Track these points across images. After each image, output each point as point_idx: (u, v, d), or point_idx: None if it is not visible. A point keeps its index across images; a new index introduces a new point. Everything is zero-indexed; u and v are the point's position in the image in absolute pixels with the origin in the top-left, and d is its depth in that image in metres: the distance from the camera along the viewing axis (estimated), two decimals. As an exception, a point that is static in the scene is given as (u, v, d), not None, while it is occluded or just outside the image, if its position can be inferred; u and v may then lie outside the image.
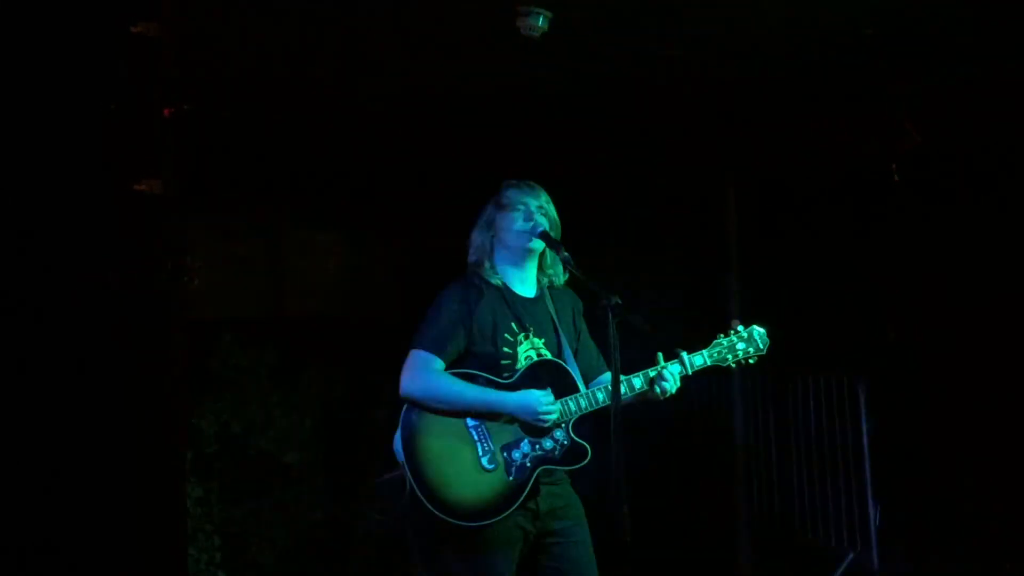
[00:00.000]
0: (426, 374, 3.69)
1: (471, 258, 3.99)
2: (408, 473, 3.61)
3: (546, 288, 4.03)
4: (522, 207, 3.92)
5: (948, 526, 6.55)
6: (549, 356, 3.86)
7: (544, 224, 3.87)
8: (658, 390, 3.79)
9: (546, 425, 3.69)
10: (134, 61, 4.07)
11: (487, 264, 3.93)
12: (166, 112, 4.26)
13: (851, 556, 6.68)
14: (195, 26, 4.36)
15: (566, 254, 3.82)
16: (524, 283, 3.98)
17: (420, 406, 3.69)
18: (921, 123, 5.33)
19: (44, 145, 4.11)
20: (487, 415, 3.70)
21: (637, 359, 3.86)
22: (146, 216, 4.29)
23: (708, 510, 7.81)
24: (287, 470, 7.25)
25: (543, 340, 3.90)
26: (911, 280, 6.92)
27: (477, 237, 3.99)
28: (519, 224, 3.90)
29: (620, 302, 3.54)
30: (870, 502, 6.66)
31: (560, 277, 4.05)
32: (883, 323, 7.19)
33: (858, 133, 5.75)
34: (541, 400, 3.68)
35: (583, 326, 4.09)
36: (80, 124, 4.13)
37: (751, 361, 3.96)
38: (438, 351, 3.72)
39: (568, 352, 3.92)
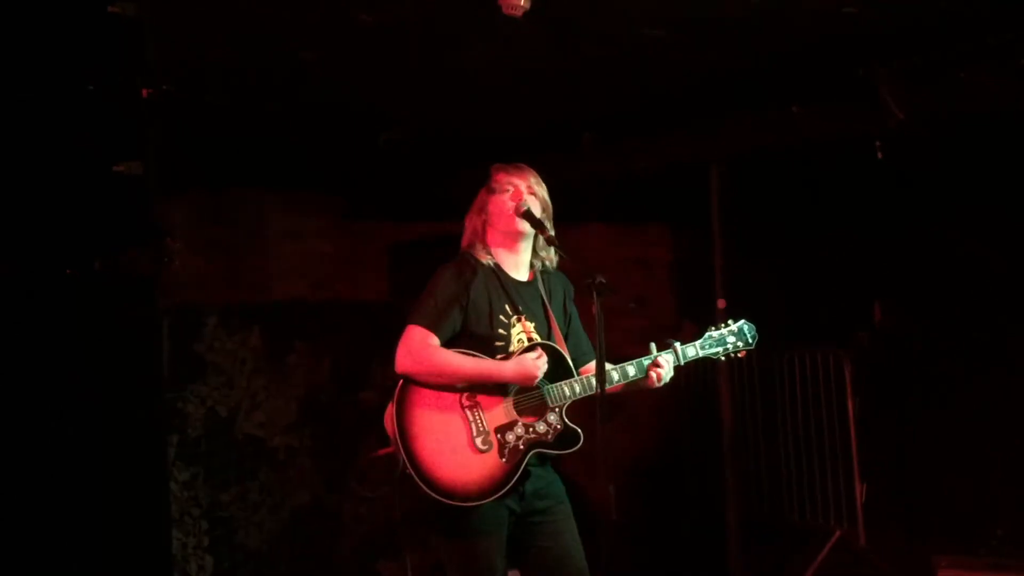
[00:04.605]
0: (423, 349, 3.69)
1: (464, 242, 4.01)
2: (401, 450, 3.61)
3: (539, 272, 4.03)
4: (510, 188, 3.93)
5: (934, 503, 6.58)
6: (541, 340, 3.87)
7: (528, 204, 3.87)
8: (653, 376, 3.87)
9: (538, 376, 3.72)
10: (112, 41, 4.04)
11: (480, 246, 3.94)
12: (145, 93, 4.23)
13: (838, 534, 6.70)
14: (175, 6, 4.31)
15: (551, 233, 3.84)
16: (517, 266, 3.98)
17: (417, 380, 3.69)
18: (903, 100, 5.32)
19: (21, 128, 4.08)
20: (484, 382, 3.72)
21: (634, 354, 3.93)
22: (127, 199, 4.28)
23: (695, 490, 7.83)
24: (274, 454, 7.25)
25: (534, 324, 3.90)
26: (896, 258, 6.93)
27: (470, 221, 4.01)
28: (506, 207, 3.90)
29: (604, 281, 3.56)
30: (856, 480, 6.69)
31: (554, 261, 4.07)
32: (869, 301, 7.22)
33: (841, 112, 5.74)
34: (536, 362, 3.72)
35: (574, 311, 4.10)
36: (58, 105, 4.11)
37: (739, 355, 4.10)
38: (434, 328, 3.72)
39: (559, 336, 3.93)
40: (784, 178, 7.17)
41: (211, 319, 7.15)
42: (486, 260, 3.91)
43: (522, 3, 4.32)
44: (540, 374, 3.73)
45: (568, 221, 4.22)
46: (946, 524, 6.37)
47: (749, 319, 4.15)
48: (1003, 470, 6.27)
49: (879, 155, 5.52)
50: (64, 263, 4.37)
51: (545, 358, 3.76)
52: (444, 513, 3.63)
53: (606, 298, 3.56)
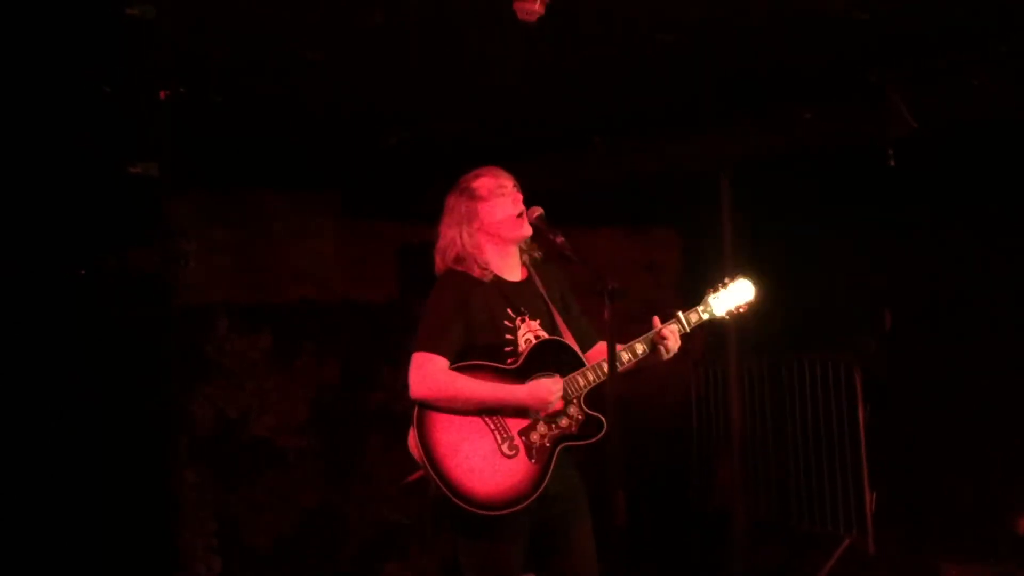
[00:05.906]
0: (433, 375, 3.65)
1: (449, 258, 3.90)
2: (432, 472, 3.56)
3: (530, 266, 4.02)
4: (504, 192, 3.90)
5: (943, 510, 6.57)
6: (547, 336, 3.86)
7: (537, 208, 3.87)
8: (662, 349, 3.88)
9: (552, 401, 3.70)
10: (129, 43, 4.04)
11: (471, 261, 3.86)
12: (162, 95, 4.24)
13: (847, 541, 6.69)
14: (191, 8, 4.32)
15: (561, 238, 3.82)
16: (512, 268, 3.95)
17: (432, 407, 3.66)
18: (914, 107, 5.32)
19: (39, 128, 4.09)
20: (499, 407, 3.69)
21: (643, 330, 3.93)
22: (142, 199, 4.29)
23: (704, 495, 7.83)
24: (282, 455, 7.26)
25: (538, 321, 3.88)
26: (907, 265, 6.92)
27: (456, 234, 3.89)
28: (510, 210, 3.87)
29: (616, 286, 3.55)
30: (866, 488, 6.68)
31: (537, 251, 4.04)
32: (880, 308, 7.21)
33: (853, 118, 5.74)
34: (550, 387, 3.69)
35: (571, 296, 4.07)
36: (75, 107, 4.11)
37: (742, 311, 4.10)
38: (440, 350, 3.69)
39: (564, 329, 3.92)
40: (793, 182, 7.17)
41: (221, 320, 7.18)
42: (479, 275, 3.85)
43: (537, 8, 4.31)
44: (554, 399, 3.71)
45: (575, 224, 4.21)
46: (955, 531, 6.36)
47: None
48: (1013, 477, 6.26)
49: (891, 163, 5.52)
50: (76, 263, 4.38)
51: (561, 384, 3.74)
52: (471, 518, 3.59)
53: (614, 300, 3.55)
